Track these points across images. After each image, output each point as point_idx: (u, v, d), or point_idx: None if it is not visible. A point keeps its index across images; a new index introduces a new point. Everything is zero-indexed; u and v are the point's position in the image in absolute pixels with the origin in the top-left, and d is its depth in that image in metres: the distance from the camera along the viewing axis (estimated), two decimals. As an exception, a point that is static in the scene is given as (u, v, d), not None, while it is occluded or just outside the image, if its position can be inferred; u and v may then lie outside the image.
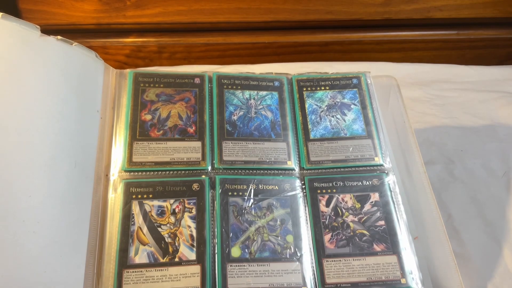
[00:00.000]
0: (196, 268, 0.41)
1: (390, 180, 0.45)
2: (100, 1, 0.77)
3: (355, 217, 0.43)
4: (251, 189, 0.45)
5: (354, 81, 0.51)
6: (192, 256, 0.41)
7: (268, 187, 0.46)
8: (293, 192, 0.45)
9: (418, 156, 0.43)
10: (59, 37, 0.47)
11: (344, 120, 0.49)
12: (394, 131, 0.47)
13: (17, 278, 0.36)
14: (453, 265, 0.38)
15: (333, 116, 0.49)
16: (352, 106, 0.49)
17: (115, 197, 0.44)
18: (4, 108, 0.40)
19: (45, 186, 0.41)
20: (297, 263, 0.42)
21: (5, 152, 0.39)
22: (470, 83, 0.79)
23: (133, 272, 0.40)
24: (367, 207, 0.44)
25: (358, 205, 0.44)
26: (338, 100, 0.50)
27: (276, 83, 0.52)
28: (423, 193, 0.42)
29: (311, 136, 0.49)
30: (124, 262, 0.40)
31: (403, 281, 0.40)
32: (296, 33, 0.80)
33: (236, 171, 0.46)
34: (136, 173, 0.45)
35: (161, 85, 0.50)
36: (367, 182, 0.45)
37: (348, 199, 0.44)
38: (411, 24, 0.82)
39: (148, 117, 0.48)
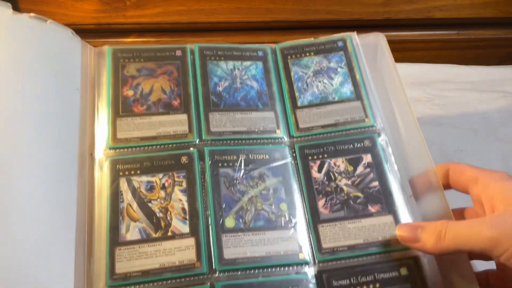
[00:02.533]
0: (191, 241, 0.40)
1: (382, 140, 0.44)
2: (100, 1, 0.75)
3: (348, 181, 0.43)
4: (241, 159, 0.44)
5: (340, 44, 0.50)
6: (186, 229, 0.40)
7: (258, 156, 0.45)
8: (284, 161, 0.45)
9: (411, 113, 0.43)
10: (32, 14, 0.45)
11: (332, 84, 0.48)
12: (384, 90, 0.46)
13: (3, 262, 0.35)
14: (449, 214, 0.38)
15: (320, 82, 0.48)
16: (339, 69, 0.49)
17: (102, 176, 0.42)
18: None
19: (27, 167, 0.39)
20: (293, 230, 0.41)
21: None
22: (470, 83, 0.79)
23: (125, 249, 0.39)
24: (359, 169, 0.43)
25: (350, 168, 0.44)
26: (324, 65, 0.49)
27: (260, 53, 0.51)
28: (417, 151, 0.41)
29: (299, 104, 0.48)
30: (115, 240, 0.39)
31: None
32: (296, 33, 0.79)
33: (225, 142, 0.45)
34: (122, 150, 0.43)
35: (142, 60, 0.49)
36: (359, 144, 0.44)
37: (340, 163, 0.44)
38: (411, 24, 0.82)
39: (130, 92, 0.47)
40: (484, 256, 0.38)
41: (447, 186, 0.41)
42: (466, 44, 0.84)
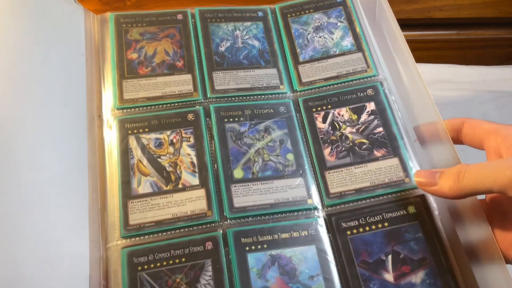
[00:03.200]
0: (201, 192, 0.41)
1: (385, 88, 0.45)
2: (100, 1, 0.76)
3: (353, 128, 0.44)
4: (246, 114, 0.45)
5: (338, -1, 0.50)
6: (195, 181, 0.41)
7: (263, 111, 0.45)
8: (289, 114, 0.45)
9: (412, 62, 0.43)
10: (33, -17, 0.46)
11: (332, 39, 0.49)
12: (385, 42, 0.47)
13: (20, 220, 0.36)
14: (456, 159, 0.38)
15: (320, 37, 0.49)
16: (339, 23, 0.49)
17: (111, 135, 0.43)
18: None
19: (37, 127, 0.40)
20: (300, 178, 0.42)
21: None
22: (470, 83, 0.78)
23: (137, 202, 0.40)
24: (363, 117, 0.44)
25: (354, 117, 0.44)
26: (324, 21, 0.50)
27: (260, 13, 0.52)
28: (420, 97, 0.42)
29: (301, 59, 0.48)
30: (127, 194, 0.40)
31: (406, 180, 0.40)
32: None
33: (230, 99, 0.46)
34: (129, 110, 0.44)
35: (144, 24, 0.49)
36: (362, 94, 0.45)
37: (344, 113, 0.45)
38: (411, 24, 0.82)
39: (135, 55, 0.47)
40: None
41: (456, 140, 0.40)
42: (466, 44, 0.84)
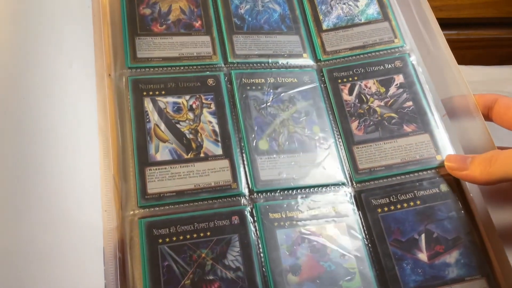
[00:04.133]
0: (225, 163, 0.38)
1: (413, 60, 0.43)
2: None
3: (381, 102, 0.42)
4: (269, 82, 0.42)
5: (365, -35, 0.48)
6: (218, 151, 0.38)
7: (286, 80, 0.43)
8: (313, 84, 0.43)
9: (439, 33, 0.42)
10: None
11: (357, 6, 0.46)
12: (410, 11, 0.45)
13: (26, 189, 0.32)
14: (487, 137, 0.37)
15: (344, 4, 0.46)
16: (364, -10, 0.47)
17: (123, 95, 0.39)
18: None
19: (42, 89, 0.36)
20: (328, 151, 0.40)
21: None
22: (470, 83, 0.77)
23: (156, 169, 0.36)
24: (392, 90, 0.42)
25: (382, 90, 0.42)
26: (349, -13, 0.47)
27: (280, -24, 0.48)
28: (448, 70, 0.40)
29: (324, 27, 0.46)
30: (144, 160, 0.37)
31: (438, 157, 0.39)
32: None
33: (251, 65, 0.43)
34: (143, 70, 0.40)
35: (156, -22, 0.45)
36: (389, 65, 0.43)
37: (372, 85, 0.43)
38: None
39: (148, 11, 0.43)
40: None
41: (486, 117, 0.40)
42: (466, 44, 0.84)
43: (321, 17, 0.46)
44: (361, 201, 0.38)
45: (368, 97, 0.42)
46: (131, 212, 0.35)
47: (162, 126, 0.38)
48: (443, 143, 0.40)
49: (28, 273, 0.30)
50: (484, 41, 0.84)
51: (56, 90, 0.36)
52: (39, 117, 0.35)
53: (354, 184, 0.39)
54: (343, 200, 0.38)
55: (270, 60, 0.43)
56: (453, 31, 0.83)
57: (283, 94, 0.42)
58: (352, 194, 0.38)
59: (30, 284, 0.30)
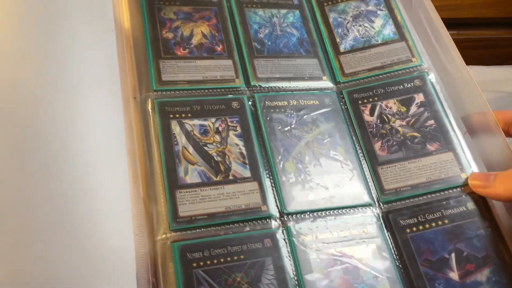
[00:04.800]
0: (254, 185, 0.38)
1: (432, 78, 0.44)
2: None
3: (402, 121, 0.43)
4: (292, 105, 0.43)
5: (376, -14, 0.49)
6: (247, 173, 0.38)
7: (309, 102, 0.43)
8: (335, 106, 0.44)
9: (455, 51, 0.43)
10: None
11: (373, 27, 0.47)
12: (424, 30, 0.46)
13: (58, 213, 0.31)
14: (509, 153, 0.38)
15: (360, 26, 0.48)
16: (378, 11, 0.48)
17: (149, 118, 0.39)
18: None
19: (71, 111, 0.35)
20: (353, 172, 0.40)
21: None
22: None
23: (186, 192, 0.36)
24: (413, 109, 0.43)
25: (403, 109, 0.43)
26: (363, 9, 0.48)
27: (295, 1, 0.50)
28: (466, 86, 0.41)
29: (342, 49, 0.47)
30: (174, 183, 0.36)
31: (463, 175, 0.40)
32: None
33: (273, 88, 0.43)
34: (168, 93, 0.40)
35: (177, 3, 0.45)
36: (409, 85, 0.44)
37: (392, 105, 0.43)
38: None
39: (170, 35, 0.43)
40: None
41: (506, 134, 0.40)
42: (466, 44, 0.85)
43: (338, 40, 0.47)
44: (389, 221, 0.38)
45: (390, 117, 0.43)
46: (163, 236, 0.34)
47: (190, 149, 0.38)
48: (467, 161, 0.40)
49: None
50: (484, 41, 0.85)
51: (84, 114, 0.36)
52: (70, 141, 0.34)
53: (381, 205, 0.39)
54: (371, 221, 0.38)
55: (291, 83, 0.44)
56: (453, 31, 0.84)
57: (305, 116, 0.42)
58: (380, 215, 0.39)
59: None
